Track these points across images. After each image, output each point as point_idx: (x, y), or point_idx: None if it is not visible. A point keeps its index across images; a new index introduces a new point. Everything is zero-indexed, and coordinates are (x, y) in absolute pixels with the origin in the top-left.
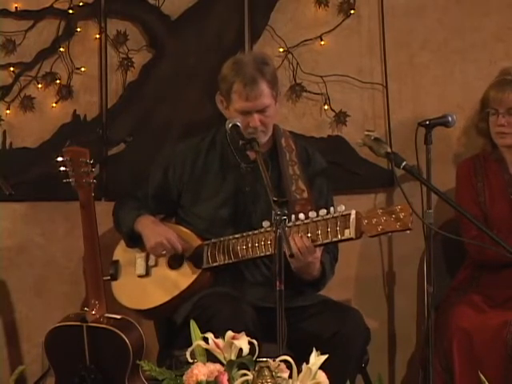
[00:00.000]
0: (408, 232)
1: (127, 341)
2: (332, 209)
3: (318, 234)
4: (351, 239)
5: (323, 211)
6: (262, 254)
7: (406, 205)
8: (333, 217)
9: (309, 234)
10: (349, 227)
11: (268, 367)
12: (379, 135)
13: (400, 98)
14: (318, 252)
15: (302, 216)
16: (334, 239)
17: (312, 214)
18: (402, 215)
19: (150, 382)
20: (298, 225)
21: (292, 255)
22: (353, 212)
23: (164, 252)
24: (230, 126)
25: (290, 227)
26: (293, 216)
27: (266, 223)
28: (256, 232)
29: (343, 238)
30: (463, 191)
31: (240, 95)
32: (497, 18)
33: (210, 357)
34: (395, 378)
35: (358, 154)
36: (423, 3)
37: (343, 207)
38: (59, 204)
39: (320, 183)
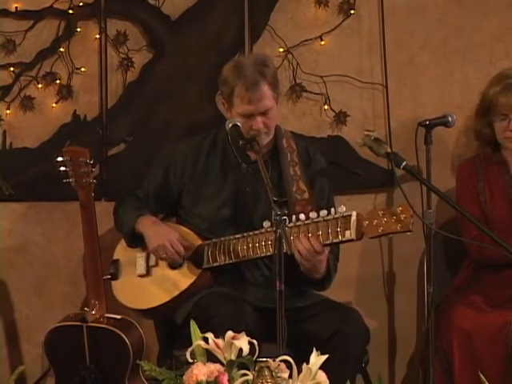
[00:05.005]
0: (409, 234)
1: (127, 341)
2: (333, 210)
3: (319, 235)
4: (352, 240)
5: (324, 212)
6: (263, 255)
7: (407, 206)
8: (333, 218)
9: (309, 234)
10: (349, 228)
11: (268, 367)
12: (379, 135)
13: (400, 98)
14: (326, 250)
15: (302, 216)
16: (335, 240)
17: (313, 214)
18: (403, 216)
19: (150, 382)
20: (299, 225)
21: (292, 254)
22: (353, 213)
23: (164, 256)
24: (230, 125)
25: (290, 228)
26: (293, 216)
27: (266, 223)
28: (257, 232)
29: (344, 239)
30: (464, 191)
31: (242, 99)
32: (497, 18)
33: (210, 357)
34: (395, 377)
35: (358, 154)
36: (423, 3)
37: (344, 208)
38: (59, 204)
39: (321, 183)
